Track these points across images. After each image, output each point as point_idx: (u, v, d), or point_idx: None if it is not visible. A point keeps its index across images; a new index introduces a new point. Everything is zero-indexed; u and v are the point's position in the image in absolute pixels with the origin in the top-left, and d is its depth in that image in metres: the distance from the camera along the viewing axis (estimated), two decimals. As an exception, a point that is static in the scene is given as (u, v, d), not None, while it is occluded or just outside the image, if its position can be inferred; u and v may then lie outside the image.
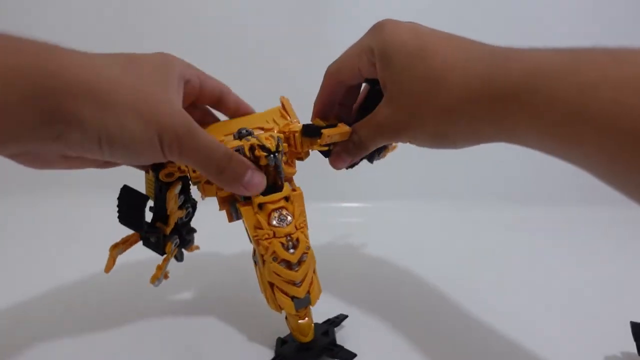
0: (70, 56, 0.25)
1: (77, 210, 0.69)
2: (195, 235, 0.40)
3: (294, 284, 0.32)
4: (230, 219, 0.36)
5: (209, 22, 0.78)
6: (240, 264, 0.51)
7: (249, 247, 0.35)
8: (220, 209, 0.37)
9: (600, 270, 0.54)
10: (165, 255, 0.37)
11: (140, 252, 0.37)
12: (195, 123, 0.28)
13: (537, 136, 0.24)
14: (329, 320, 0.39)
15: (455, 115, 0.27)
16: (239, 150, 0.31)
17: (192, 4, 0.77)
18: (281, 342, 0.36)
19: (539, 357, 0.36)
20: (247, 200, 0.33)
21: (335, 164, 0.36)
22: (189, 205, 0.38)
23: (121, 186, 0.34)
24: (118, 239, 0.35)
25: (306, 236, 0.33)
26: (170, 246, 0.37)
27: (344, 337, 0.37)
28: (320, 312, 0.38)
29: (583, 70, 0.22)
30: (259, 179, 0.30)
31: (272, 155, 0.30)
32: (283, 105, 0.38)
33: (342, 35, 0.83)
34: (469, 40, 0.29)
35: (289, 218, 0.31)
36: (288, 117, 0.38)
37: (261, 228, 0.31)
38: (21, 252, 0.56)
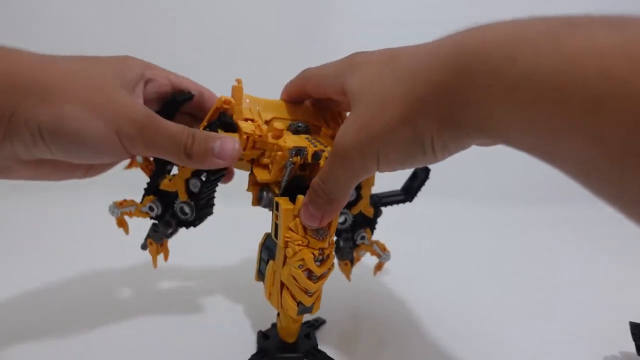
0: (23, 57, 0.25)
1: (76, 209, 0.67)
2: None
3: (306, 292, 0.31)
4: (255, 203, 0.35)
5: (210, 22, 0.81)
6: (229, 255, 0.51)
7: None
8: (247, 190, 0.35)
9: (599, 270, 0.55)
10: (138, 204, 0.36)
11: (139, 253, 0.36)
12: (153, 112, 0.28)
13: (518, 125, 0.19)
14: (308, 322, 0.39)
15: (426, 107, 0.21)
16: (300, 151, 0.30)
17: (193, 5, 0.79)
18: (263, 336, 0.36)
19: (539, 357, 0.37)
20: (286, 194, 0.31)
21: (304, 220, 0.29)
22: (193, 203, 0.34)
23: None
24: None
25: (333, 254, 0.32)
26: (148, 202, 0.35)
27: (321, 342, 0.38)
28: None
29: (566, 36, 0.17)
30: (230, 144, 0.28)
31: None
32: None
33: (344, 35, 0.88)
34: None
35: (326, 232, 0.31)
36: (340, 121, 0.36)
37: (296, 233, 0.30)
38: (21, 252, 0.53)
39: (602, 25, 0.16)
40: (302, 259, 0.30)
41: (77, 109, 0.25)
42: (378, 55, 0.26)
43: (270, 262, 0.33)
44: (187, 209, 0.35)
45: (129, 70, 0.29)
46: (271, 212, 0.33)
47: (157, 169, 0.35)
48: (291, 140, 0.31)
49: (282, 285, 0.32)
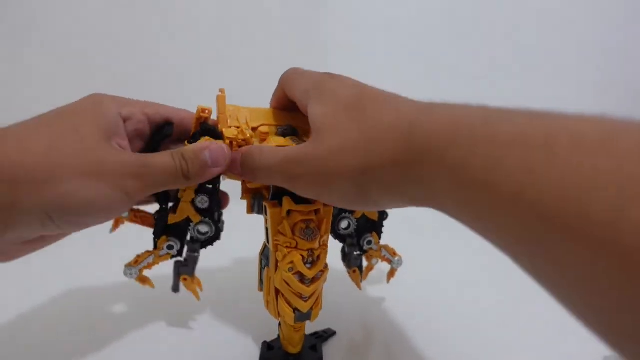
0: None
1: None
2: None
3: (301, 297, 0.31)
4: (250, 211, 0.35)
5: (209, 23, 0.81)
6: (230, 263, 0.50)
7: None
8: (241, 198, 0.35)
9: None
10: (154, 250, 0.33)
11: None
12: (142, 155, 0.27)
13: (454, 202, 0.20)
14: (316, 333, 0.38)
15: (377, 173, 0.23)
16: None
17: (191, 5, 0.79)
18: (267, 347, 0.36)
19: (538, 357, 0.37)
20: (276, 198, 0.31)
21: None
22: (208, 219, 0.33)
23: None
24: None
25: (326, 256, 0.32)
26: (163, 243, 0.33)
27: (328, 355, 0.37)
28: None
29: (498, 126, 0.18)
30: (219, 149, 0.28)
31: None
32: None
33: (339, 35, 0.87)
34: (404, 99, 0.26)
35: (315, 233, 0.30)
36: None
37: (284, 235, 0.30)
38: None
39: (530, 117, 0.18)
40: (292, 262, 0.30)
41: (77, 182, 0.24)
42: (347, 91, 0.27)
43: (266, 268, 0.33)
44: (205, 228, 0.34)
45: (106, 115, 0.28)
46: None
47: (160, 211, 0.33)
48: (274, 142, 0.31)
49: (277, 292, 0.32)
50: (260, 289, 0.35)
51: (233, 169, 0.30)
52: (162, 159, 0.27)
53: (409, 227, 0.50)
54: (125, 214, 0.34)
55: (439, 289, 0.48)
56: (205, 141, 0.29)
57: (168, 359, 0.35)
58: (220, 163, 0.29)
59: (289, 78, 0.31)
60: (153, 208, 0.34)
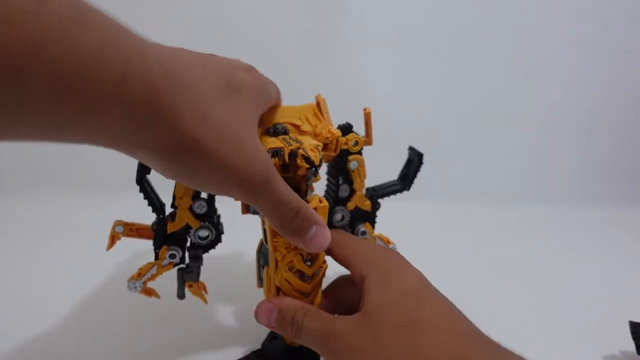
0: (173, 75, 0.21)
1: (77, 208, 0.68)
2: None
3: (301, 293, 0.32)
4: (245, 212, 0.36)
5: (220, 22, 0.81)
6: (229, 260, 0.51)
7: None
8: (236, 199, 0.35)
9: (599, 270, 0.55)
10: (156, 261, 0.34)
11: (142, 254, 0.36)
12: (274, 170, 0.26)
13: None
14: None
15: None
16: (277, 152, 0.30)
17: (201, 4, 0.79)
18: (272, 336, 0.37)
19: (538, 357, 0.37)
20: None
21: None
22: (208, 224, 0.34)
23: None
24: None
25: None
26: (165, 252, 0.33)
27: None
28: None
29: None
30: (323, 237, 0.28)
31: (313, 169, 0.29)
32: (318, 104, 0.37)
33: (350, 35, 0.87)
34: (464, 323, 0.27)
35: None
36: (322, 118, 0.36)
37: (282, 235, 0.30)
38: (20, 251, 0.55)
39: None
40: (291, 261, 0.30)
41: (210, 168, 0.23)
42: (409, 298, 0.27)
43: (265, 267, 0.34)
44: (205, 233, 0.34)
45: (260, 105, 0.28)
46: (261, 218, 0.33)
47: (158, 221, 0.33)
48: (267, 143, 0.31)
49: (278, 289, 0.33)
50: (259, 285, 0.36)
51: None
52: (284, 192, 0.26)
53: (409, 223, 0.50)
54: (120, 229, 0.34)
55: (440, 285, 0.50)
56: (319, 216, 0.29)
57: (170, 355, 0.36)
58: (311, 245, 0.28)
59: (341, 240, 0.32)
60: (147, 220, 0.35)
